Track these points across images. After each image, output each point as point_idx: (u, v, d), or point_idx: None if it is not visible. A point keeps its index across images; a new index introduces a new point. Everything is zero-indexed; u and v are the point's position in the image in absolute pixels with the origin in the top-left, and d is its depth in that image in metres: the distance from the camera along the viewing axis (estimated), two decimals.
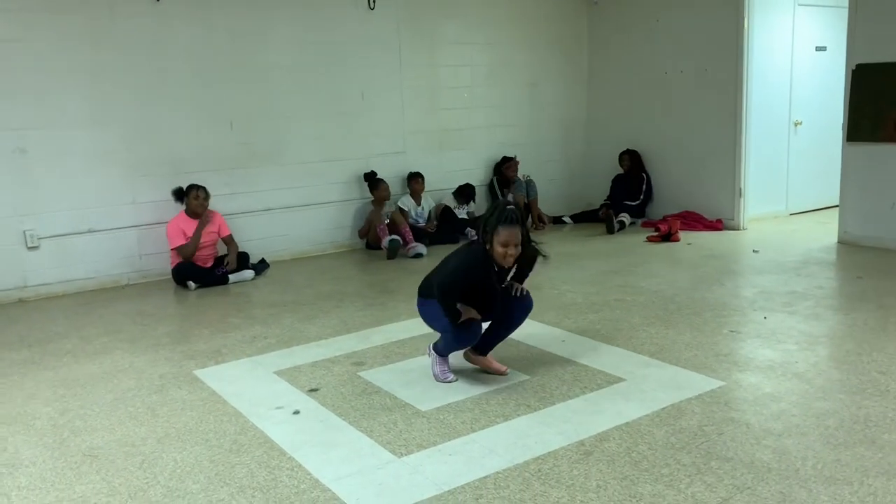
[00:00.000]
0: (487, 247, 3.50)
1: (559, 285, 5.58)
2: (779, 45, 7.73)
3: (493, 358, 3.85)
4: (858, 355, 3.90)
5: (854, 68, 6.30)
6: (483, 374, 3.81)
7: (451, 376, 3.73)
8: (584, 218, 8.19)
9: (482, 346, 3.82)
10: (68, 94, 5.83)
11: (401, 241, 6.75)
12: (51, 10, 5.69)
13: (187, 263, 5.92)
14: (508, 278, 3.70)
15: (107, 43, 5.92)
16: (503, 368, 3.80)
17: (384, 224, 6.87)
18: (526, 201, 7.83)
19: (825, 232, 6.96)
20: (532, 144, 8.28)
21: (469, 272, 3.56)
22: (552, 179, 8.47)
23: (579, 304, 5.06)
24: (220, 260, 6.12)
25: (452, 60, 7.55)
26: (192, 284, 5.89)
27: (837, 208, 6.73)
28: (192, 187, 5.99)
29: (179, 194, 5.98)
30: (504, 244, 3.46)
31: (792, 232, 7.26)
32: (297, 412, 3.48)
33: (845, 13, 6.38)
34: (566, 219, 8.25)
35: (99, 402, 3.71)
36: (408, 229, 6.88)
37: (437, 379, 3.74)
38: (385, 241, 6.74)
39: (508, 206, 3.51)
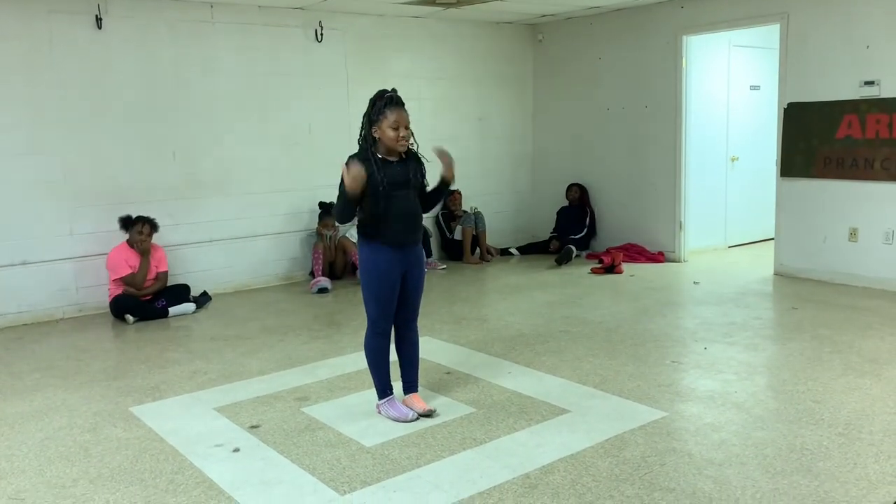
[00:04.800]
0: (376, 136, 3.42)
1: (506, 316, 5.60)
2: (715, 84, 8.01)
3: (419, 397, 3.77)
4: (795, 385, 4.00)
5: (786, 107, 6.56)
6: (429, 406, 3.77)
7: (411, 413, 3.62)
8: (531, 250, 8.28)
9: (407, 384, 3.77)
10: (4, 122, 5.67)
11: (329, 289, 6.65)
12: None
13: (126, 296, 5.76)
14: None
15: (46, 70, 5.79)
16: (426, 407, 3.69)
17: (320, 252, 6.79)
18: (474, 233, 7.88)
19: (762, 264, 7.17)
20: (479, 177, 8.36)
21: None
22: (499, 212, 8.55)
23: (526, 335, 5.08)
24: (159, 293, 5.97)
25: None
26: (130, 318, 5.73)
27: (773, 241, 6.95)
28: (139, 220, 5.83)
29: (126, 223, 5.83)
30: (394, 126, 3.40)
31: (730, 264, 7.47)
32: (237, 450, 3.39)
33: (777, 54, 6.66)
34: (513, 251, 8.32)
35: (28, 442, 3.55)
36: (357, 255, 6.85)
37: (399, 421, 3.59)
38: (314, 289, 6.62)
39: (388, 93, 3.45)
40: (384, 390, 3.68)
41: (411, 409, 3.67)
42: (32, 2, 5.70)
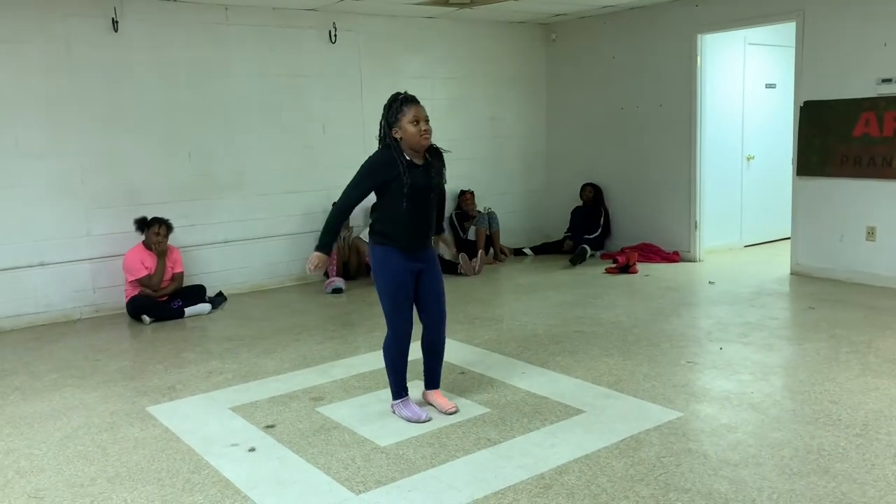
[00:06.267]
0: (398, 136, 3.40)
1: (520, 317, 5.59)
2: (730, 82, 7.95)
3: (442, 394, 3.81)
4: (811, 385, 3.97)
5: (802, 105, 6.51)
6: None
7: (424, 414, 3.62)
8: (545, 250, 8.26)
9: (429, 379, 3.79)
10: (22, 124, 5.73)
11: (343, 289, 6.67)
12: (6, 40, 5.61)
13: (142, 297, 5.81)
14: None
15: (63, 72, 5.85)
16: (450, 406, 3.71)
17: (334, 253, 6.81)
18: (488, 234, 7.88)
19: (778, 263, 7.11)
20: (492, 177, 8.36)
21: (374, 170, 3.41)
22: (512, 212, 8.54)
23: (539, 335, 5.08)
24: (175, 293, 6.01)
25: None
26: (146, 318, 5.77)
27: (789, 240, 6.90)
28: (154, 221, 5.88)
29: (141, 224, 5.88)
30: (414, 121, 3.38)
31: (746, 263, 7.42)
32: (252, 449, 3.41)
33: (793, 52, 6.61)
34: (527, 251, 8.31)
35: (47, 441, 3.59)
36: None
37: (412, 422, 3.59)
38: (329, 290, 6.65)
39: (402, 94, 3.46)
40: (399, 392, 3.69)
41: (432, 404, 3.71)
42: (49, 5, 5.75)
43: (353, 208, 3.54)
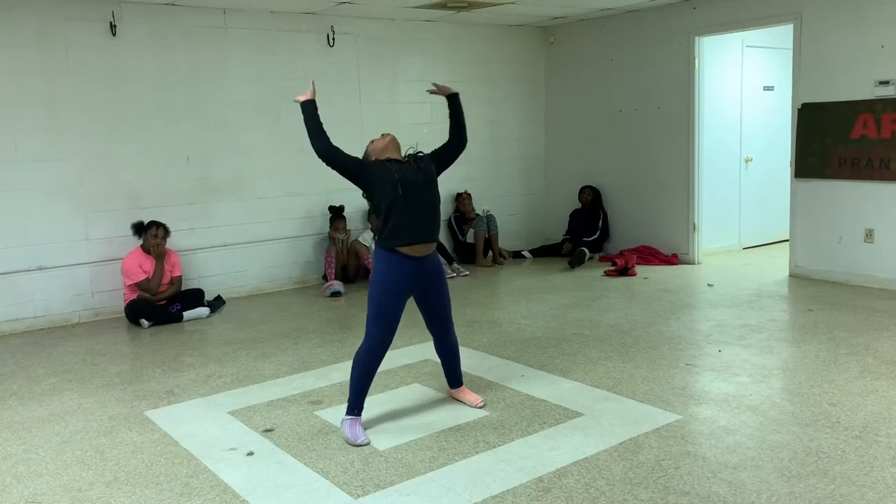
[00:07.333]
0: (375, 158, 3.58)
1: (519, 320, 5.59)
2: (728, 85, 7.96)
3: (468, 390, 3.95)
4: (810, 387, 3.97)
5: (800, 107, 6.52)
6: (442, 409, 3.80)
7: (364, 437, 3.43)
8: (544, 252, 8.26)
9: (449, 380, 3.91)
10: (20, 128, 5.73)
11: (342, 292, 6.69)
12: (5, 44, 5.62)
13: (141, 301, 5.80)
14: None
15: (62, 76, 5.85)
16: (478, 400, 3.84)
17: (332, 256, 6.83)
18: (487, 236, 7.88)
19: (777, 265, 7.12)
20: (491, 180, 8.36)
21: (364, 161, 3.59)
22: (512, 214, 8.54)
23: (539, 338, 5.07)
24: (173, 297, 6.00)
25: (412, 97, 7.61)
26: (145, 322, 5.77)
27: (788, 242, 6.90)
28: (151, 224, 5.89)
29: (138, 228, 5.88)
30: (374, 140, 3.64)
31: (745, 266, 7.42)
32: (251, 453, 3.41)
33: (790, 54, 6.62)
34: (526, 253, 8.31)
35: (44, 446, 3.58)
36: (370, 259, 6.87)
37: (348, 443, 3.43)
38: (327, 293, 6.66)
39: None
40: (353, 408, 3.52)
41: (460, 401, 3.84)
42: (48, 9, 5.76)
43: (332, 147, 3.51)
